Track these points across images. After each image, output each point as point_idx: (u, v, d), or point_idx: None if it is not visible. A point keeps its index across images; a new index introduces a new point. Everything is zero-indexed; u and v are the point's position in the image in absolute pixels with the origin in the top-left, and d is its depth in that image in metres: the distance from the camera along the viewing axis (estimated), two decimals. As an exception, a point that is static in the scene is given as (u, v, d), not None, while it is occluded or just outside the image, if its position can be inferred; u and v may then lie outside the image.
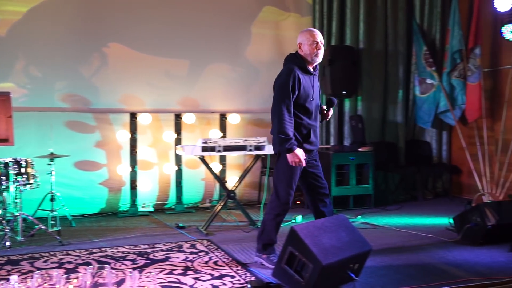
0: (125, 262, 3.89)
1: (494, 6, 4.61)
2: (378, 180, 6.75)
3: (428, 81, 6.83)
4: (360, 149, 6.24)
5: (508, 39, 4.94)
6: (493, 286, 3.30)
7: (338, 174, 6.09)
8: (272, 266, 3.53)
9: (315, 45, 3.74)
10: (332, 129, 6.81)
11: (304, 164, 3.69)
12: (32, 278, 3.09)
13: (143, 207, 5.92)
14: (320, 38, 3.78)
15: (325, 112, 3.97)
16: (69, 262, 3.88)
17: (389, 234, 4.85)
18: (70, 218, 5.24)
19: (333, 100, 3.95)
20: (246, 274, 3.59)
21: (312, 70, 3.84)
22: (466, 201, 5.96)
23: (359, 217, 5.62)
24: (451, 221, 4.89)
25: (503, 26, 4.90)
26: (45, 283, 3.14)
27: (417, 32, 6.93)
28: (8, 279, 3.08)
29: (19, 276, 3.42)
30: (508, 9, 4.52)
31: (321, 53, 3.78)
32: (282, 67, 3.87)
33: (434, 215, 5.74)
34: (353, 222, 4.98)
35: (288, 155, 3.65)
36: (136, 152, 5.92)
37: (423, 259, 3.98)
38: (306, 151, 3.76)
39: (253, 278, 3.50)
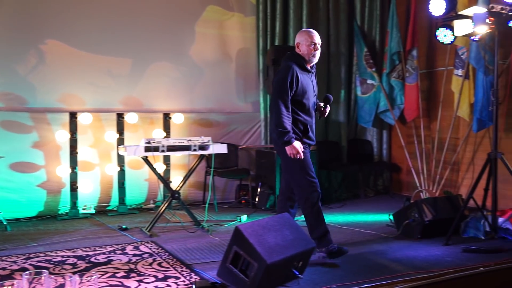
0: (65, 267, 3.76)
1: (429, 10, 4.79)
2: (322, 179, 6.86)
3: (369, 81, 7.03)
4: (303, 148, 6.31)
5: (442, 42, 5.15)
6: (430, 278, 3.44)
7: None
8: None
9: (313, 46, 3.88)
10: (277, 129, 6.85)
11: (302, 156, 3.84)
12: (-37, 286, 2.93)
13: (84, 209, 5.74)
14: (317, 39, 3.91)
15: (322, 109, 4.06)
16: (4, 269, 3.70)
17: (332, 232, 4.86)
18: (5, 222, 5.00)
19: (329, 97, 4.06)
20: (191, 274, 3.56)
21: (309, 68, 3.96)
22: (405, 198, 6.18)
23: (303, 215, 5.68)
24: (391, 217, 5.06)
25: (437, 29, 5.11)
26: (-22, 291, 2.98)
27: (358, 34, 7.11)
28: None
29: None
30: (441, 13, 4.72)
31: (317, 54, 3.92)
32: (281, 65, 4.01)
33: (375, 212, 5.91)
34: (297, 220, 5.03)
35: (287, 148, 3.80)
36: (76, 153, 5.74)
37: (365, 255, 4.08)
38: (305, 145, 3.92)
39: (198, 278, 3.47)
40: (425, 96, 6.75)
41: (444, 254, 4.04)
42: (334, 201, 6.60)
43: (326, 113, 4.10)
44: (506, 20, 4.49)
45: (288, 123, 3.79)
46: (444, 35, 5.08)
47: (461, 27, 4.73)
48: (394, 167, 7.40)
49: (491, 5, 4.36)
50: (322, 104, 4.06)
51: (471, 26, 4.55)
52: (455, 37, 5.02)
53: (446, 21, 4.99)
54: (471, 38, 4.97)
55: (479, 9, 4.46)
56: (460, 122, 6.23)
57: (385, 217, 5.36)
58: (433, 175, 6.53)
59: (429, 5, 4.78)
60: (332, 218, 5.58)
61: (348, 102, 7.33)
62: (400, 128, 6.95)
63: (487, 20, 4.34)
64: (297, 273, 3.36)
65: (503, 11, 4.36)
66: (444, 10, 4.70)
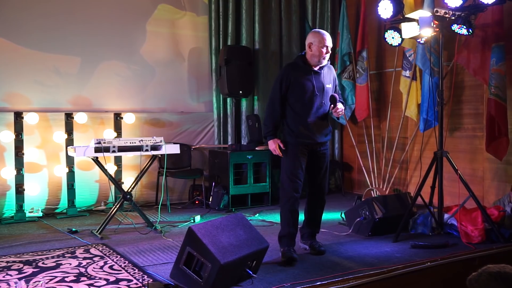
0: (10, 272, 3.61)
1: (378, 13, 4.92)
2: (275, 178, 6.90)
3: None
4: (257, 148, 6.35)
5: (391, 44, 5.30)
6: (380, 274, 3.52)
7: (236, 173, 6.15)
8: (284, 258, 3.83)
9: (325, 48, 3.95)
10: (230, 129, 6.86)
11: (279, 153, 4.00)
12: None
13: (31, 212, 5.55)
14: (330, 43, 3.98)
15: (332, 109, 4.03)
16: None
17: (285, 230, 4.98)
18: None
19: (334, 96, 4.02)
20: (143, 276, 3.50)
21: (316, 68, 4.00)
22: (356, 196, 6.29)
23: (257, 215, 5.72)
24: (343, 215, 5.15)
25: (386, 31, 5.25)
26: None
27: (309, 35, 7.18)
28: None
29: None
30: (389, 16, 4.85)
31: (327, 57, 3.99)
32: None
33: (327, 210, 5.94)
34: (251, 220, 5.05)
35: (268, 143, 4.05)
36: (22, 154, 5.53)
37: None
38: (301, 143, 3.97)
39: (151, 280, 3.42)
40: (375, 97, 6.92)
41: (393, 251, 4.15)
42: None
43: (338, 113, 4.04)
44: (449, 23, 4.66)
45: (270, 120, 4.01)
46: (392, 37, 5.22)
47: (408, 29, 4.88)
48: (346, 166, 7.53)
49: (435, 9, 4.51)
50: (331, 106, 4.04)
51: (417, 29, 4.71)
52: (403, 39, 5.17)
53: (394, 23, 5.13)
54: (418, 40, 5.14)
55: (425, 13, 4.62)
56: (408, 122, 6.43)
57: (337, 215, 5.46)
58: (383, 173, 6.70)
59: (378, 8, 4.90)
60: (285, 217, 5.61)
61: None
62: (351, 127, 7.10)
63: (432, 24, 4.49)
64: (251, 272, 3.37)
65: (447, 15, 4.53)
66: (392, 13, 4.83)
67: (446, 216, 4.66)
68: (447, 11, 4.50)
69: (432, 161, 4.65)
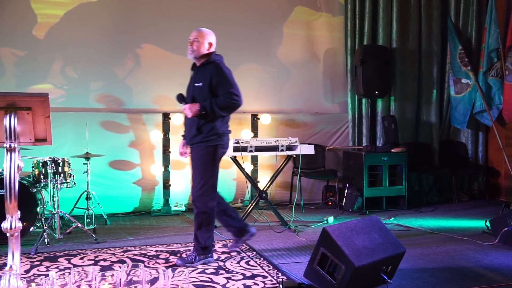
0: (158, 261, 3.94)
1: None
2: (412, 181, 6.66)
3: (464, 80, 6.70)
4: (393, 150, 6.17)
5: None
6: (532, 291, 3.22)
7: (371, 175, 6.03)
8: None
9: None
10: (364, 130, 6.75)
11: (180, 154, 4.14)
12: (69, 275, 3.17)
13: (175, 206, 5.99)
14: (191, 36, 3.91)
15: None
16: (104, 260, 3.96)
17: (423, 237, 4.77)
18: (105, 217, 5.35)
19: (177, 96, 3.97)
20: (278, 274, 3.59)
21: (198, 65, 3.96)
22: (503, 204, 5.80)
23: (392, 218, 5.55)
24: (488, 224, 4.78)
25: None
26: (82, 279, 3.22)
27: (452, 31, 6.80)
28: (47, 275, 3.17)
29: (57, 272, 3.51)
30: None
31: (189, 49, 3.92)
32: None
33: (469, 217, 5.62)
34: (386, 223, 4.92)
35: None
36: (169, 152, 5.99)
37: (458, 262, 3.90)
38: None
39: (285, 278, 3.50)
40: (527, 96, 6.31)
41: (548, 265, 3.76)
42: (424, 205, 6.37)
43: (186, 113, 3.89)
44: None
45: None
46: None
47: None
48: (491, 171, 6.99)
49: None
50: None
51: None
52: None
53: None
54: None
55: None
56: None
57: (481, 223, 5.08)
58: (535, 180, 6.11)
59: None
60: (422, 222, 5.38)
61: (440, 102, 7.04)
62: (498, 129, 6.55)
63: None
64: (386, 278, 3.28)
65: None
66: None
67: None
68: None
69: None
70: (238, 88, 3.86)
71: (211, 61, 3.89)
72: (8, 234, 2.78)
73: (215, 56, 3.96)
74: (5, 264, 2.89)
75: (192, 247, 3.96)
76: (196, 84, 3.87)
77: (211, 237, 3.91)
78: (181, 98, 3.93)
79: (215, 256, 4.05)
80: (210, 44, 3.94)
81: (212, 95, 3.80)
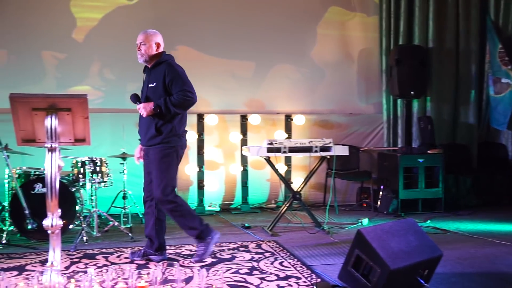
0: (193, 260, 3.97)
1: None
2: (449, 184, 6.52)
3: (504, 80, 6.53)
4: (429, 151, 6.06)
5: None
6: None
7: (406, 177, 5.94)
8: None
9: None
10: (400, 131, 6.66)
11: (137, 159, 4.09)
12: (107, 272, 3.25)
13: (210, 206, 6.04)
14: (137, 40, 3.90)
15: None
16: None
17: (461, 240, 4.67)
18: (141, 216, 5.44)
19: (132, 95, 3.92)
20: (312, 276, 3.58)
21: (149, 67, 3.95)
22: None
23: (429, 221, 5.45)
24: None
25: None
26: (119, 277, 3.29)
27: (491, 29, 6.64)
28: (85, 272, 3.25)
29: (95, 269, 3.59)
30: None
31: (139, 54, 3.92)
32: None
33: (510, 221, 5.47)
34: (422, 226, 4.83)
35: None
36: (203, 153, 6.05)
37: (498, 267, 3.80)
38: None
39: (319, 280, 3.48)
40: None
41: None
42: (462, 208, 6.23)
43: (140, 112, 3.85)
44: None
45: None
46: None
47: None
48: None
49: None
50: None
51: None
52: None
53: None
54: None
55: None
56: None
57: (522, 227, 4.95)
58: None
59: None
60: (460, 225, 5.27)
61: (479, 102, 6.88)
62: (539, 130, 6.36)
63: None
64: (422, 281, 3.22)
65: None
66: None
67: None
68: None
69: None
70: (192, 85, 3.88)
71: (162, 61, 3.91)
72: (49, 231, 2.87)
73: (166, 55, 3.97)
74: (46, 260, 2.98)
75: (196, 245, 4.00)
76: (150, 85, 3.88)
77: (198, 218, 3.97)
78: (135, 98, 3.91)
79: (248, 256, 4.07)
80: (158, 45, 3.93)
81: (167, 94, 3.81)
